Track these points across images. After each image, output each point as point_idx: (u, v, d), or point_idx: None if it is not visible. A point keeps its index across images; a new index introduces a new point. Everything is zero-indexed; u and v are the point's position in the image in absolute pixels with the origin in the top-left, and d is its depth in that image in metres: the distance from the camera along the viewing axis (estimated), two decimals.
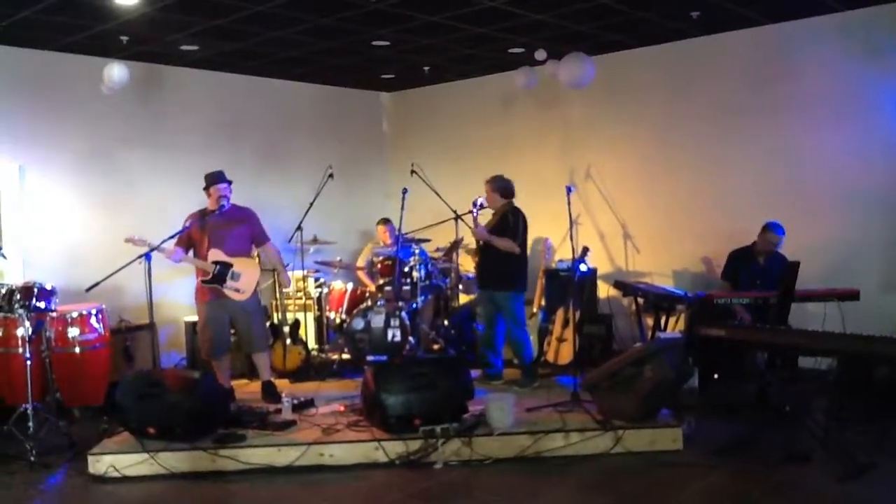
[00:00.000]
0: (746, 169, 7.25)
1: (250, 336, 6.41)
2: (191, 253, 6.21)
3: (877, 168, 6.57)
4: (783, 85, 7.01)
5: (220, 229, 6.23)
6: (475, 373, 6.38)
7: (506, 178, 6.70)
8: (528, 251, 6.74)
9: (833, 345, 4.94)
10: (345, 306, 7.88)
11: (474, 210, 6.70)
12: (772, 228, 6.47)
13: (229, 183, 6.30)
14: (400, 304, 7.29)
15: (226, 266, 6.16)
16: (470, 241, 7.54)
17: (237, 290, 6.23)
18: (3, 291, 5.46)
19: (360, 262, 8.53)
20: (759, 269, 6.50)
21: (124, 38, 6.69)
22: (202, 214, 6.26)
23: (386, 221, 8.47)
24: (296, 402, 5.84)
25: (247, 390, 6.61)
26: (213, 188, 6.24)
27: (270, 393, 6.40)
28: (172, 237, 6.04)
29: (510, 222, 6.50)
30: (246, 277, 6.29)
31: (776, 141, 7.08)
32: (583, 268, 7.18)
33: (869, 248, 6.63)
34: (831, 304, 5.83)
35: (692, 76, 7.55)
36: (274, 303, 7.71)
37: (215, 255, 6.18)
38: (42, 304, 5.59)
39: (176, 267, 6.28)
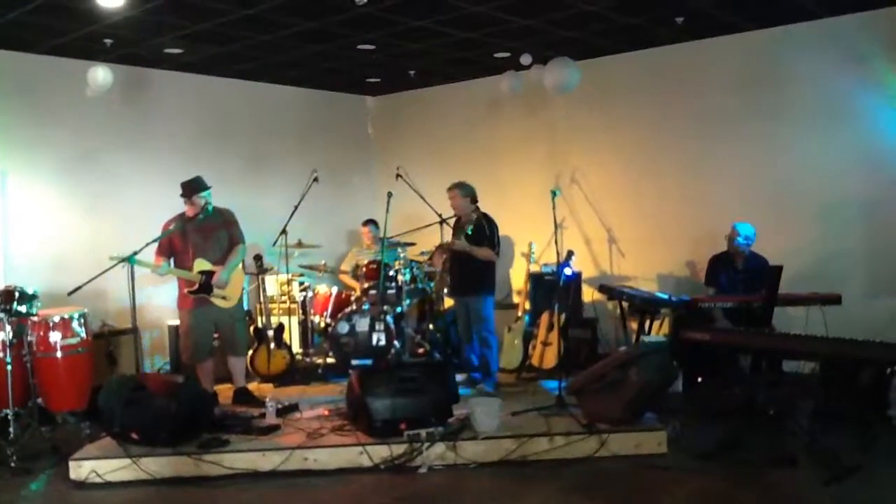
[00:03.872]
0: (731, 174, 7.30)
1: (234, 340, 6.39)
2: (172, 263, 6.15)
3: (860, 173, 6.63)
4: (767, 91, 7.06)
5: (203, 237, 6.18)
6: (460, 376, 6.38)
7: (470, 185, 6.79)
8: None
9: (816, 348, 4.97)
10: (329, 310, 7.87)
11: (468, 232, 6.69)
12: (734, 227, 6.56)
13: (209, 189, 6.25)
14: (385, 307, 7.28)
15: (212, 275, 6.13)
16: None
17: (224, 298, 6.20)
18: None
19: (344, 267, 8.52)
20: (739, 271, 6.55)
21: (108, 41, 6.65)
22: (182, 220, 6.17)
23: (369, 223, 8.48)
24: (280, 406, 5.81)
25: (231, 395, 6.56)
26: (196, 196, 6.16)
27: (245, 398, 6.38)
28: (153, 242, 5.99)
29: (486, 231, 6.57)
30: (232, 284, 6.26)
31: (760, 146, 7.12)
32: (568, 272, 7.20)
33: (851, 253, 6.68)
34: (814, 308, 5.87)
35: (677, 82, 7.58)
36: (258, 306, 7.68)
37: (200, 264, 6.14)
38: (23, 308, 5.54)
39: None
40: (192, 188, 6.17)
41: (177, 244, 6.17)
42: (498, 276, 6.88)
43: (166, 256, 6.15)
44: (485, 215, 6.68)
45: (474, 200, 6.76)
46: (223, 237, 6.29)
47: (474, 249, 6.58)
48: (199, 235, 6.18)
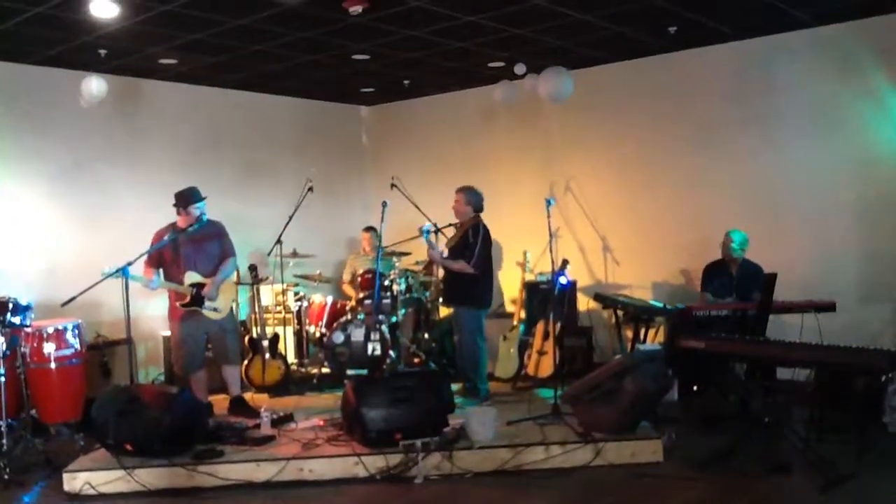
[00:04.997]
0: (724, 182, 7.32)
1: (225, 350, 6.37)
2: (162, 276, 6.10)
3: (851, 181, 6.66)
4: (759, 100, 7.09)
5: (194, 249, 6.15)
6: (455, 386, 6.37)
7: (478, 192, 6.71)
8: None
9: (811, 356, 4.97)
10: (325, 320, 7.85)
11: (425, 235, 6.70)
12: (727, 233, 6.62)
13: (204, 199, 6.21)
14: (380, 317, 7.27)
15: (203, 288, 6.11)
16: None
17: (215, 310, 6.18)
18: None
19: (346, 277, 8.52)
20: (732, 279, 6.57)
21: (103, 52, 6.65)
22: (174, 231, 6.12)
23: (369, 229, 8.49)
24: (275, 416, 5.80)
25: (225, 405, 6.54)
26: (192, 207, 6.12)
27: (241, 407, 6.37)
28: (144, 255, 5.96)
29: (469, 242, 6.49)
30: (223, 296, 6.24)
31: (753, 154, 7.15)
32: (563, 280, 7.20)
33: (845, 261, 6.70)
34: (808, 315, 5.88)
35: (670, 91, 7.61)
36: (253, 317, 7.66)
37: (191, 277, 6.11)
38: (17, 320, 5.52)
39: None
40: (187, 199, 6.13)
41: (167, 256, 6.13)
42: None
43: (155, 267, 6.11)
44: (476, 226, 6.58)
45: (477, 209, 6.67)
46: (215, 249, 6.27)
47: (447, 263, 6.60)
48: (191, 247, 6.15)
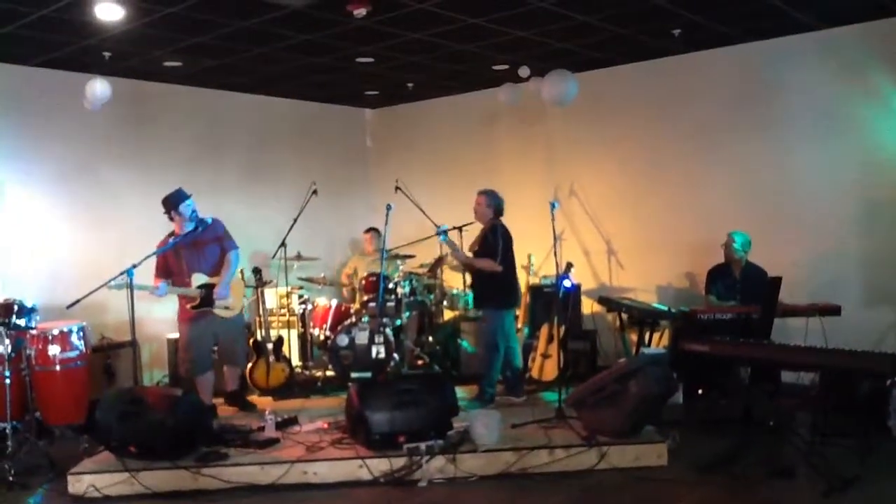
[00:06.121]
0: (729, 185, 7.31)
1: (233, 352, 6.42)
2: (170, 283, 6.10)
3: (857, 184, 6.65)
4: (763, 102, 7.08)
5: (195, 252, 6.16)
6: (463, 389, 6.36)
7: (500, 196, 6.70)
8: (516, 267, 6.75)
9: (816, 359, 4.96)
10: (328, 323, 7.84)
11: (443, 237, 6.80)
12: (729, 234, 6.61)
13: (190, 196, 6.17)
14: (384, 320, 7.27)
15: (211, 287, 6.12)
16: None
17: (227, 308, 6.21)
18: None
19: (347, 270, 8.55)
20: (736, 282, 6.56)
21: (107, 54, 6.67)
22: (174, 239, 6.12)
23: (371, 230, 8.50)
24: (279, 419, 5.80)
25: (229, 408, 6.54)
26: (182, 206, 6.09)
27: (239, 400, 6.51)
28: (152, 255, 5.96)
29: (489, 242, 6.49)
30: (234, 293, 6.27)
31: (758, 157, 7.14)
32: (567, 284, 7.20)
33: (850, 264, 6.69)
34: (813, 319, 5.87)
35: (674, 93, 7.61)
36: (257, 319, 7.67)
37: (198, 279, 6.13)
38: (22, 322, 5.54)
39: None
40: (174, 202, 6.12)
41: (172, 263, 6.14)
42: None
43: (165, 277, 6.12)
44: (494, 227, 6.56)
45: (498, 213, 6.66)
46: (216, 250, 6.29)
47: (472, 261, 6.58)
48: (191, 251, 6.16)
